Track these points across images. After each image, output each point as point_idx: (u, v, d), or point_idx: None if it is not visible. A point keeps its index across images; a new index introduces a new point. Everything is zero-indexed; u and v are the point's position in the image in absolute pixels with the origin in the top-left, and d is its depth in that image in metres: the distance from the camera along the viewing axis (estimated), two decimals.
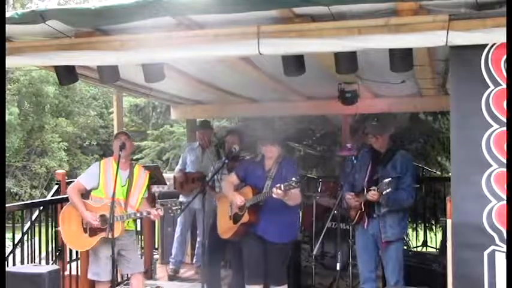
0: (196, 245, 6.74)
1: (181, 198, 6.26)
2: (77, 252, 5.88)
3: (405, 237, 4.75)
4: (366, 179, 4.65)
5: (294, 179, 4.19)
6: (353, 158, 5.44)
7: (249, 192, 4.60)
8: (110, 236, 4.47)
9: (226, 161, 5.45)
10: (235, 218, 4.72)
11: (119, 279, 5.97)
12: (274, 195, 4.27)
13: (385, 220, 4.54)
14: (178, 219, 6.57)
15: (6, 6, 13.52)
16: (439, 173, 9.27)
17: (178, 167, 6.76)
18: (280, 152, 4.67)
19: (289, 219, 4.67)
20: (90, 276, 4.85)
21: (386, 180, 4.25)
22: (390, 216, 4.53)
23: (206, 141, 6.54)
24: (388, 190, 4.23)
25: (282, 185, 4.21)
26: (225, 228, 4.86)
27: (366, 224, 4.65)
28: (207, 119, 7.26)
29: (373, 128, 4.71)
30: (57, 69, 4.14)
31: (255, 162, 4.79)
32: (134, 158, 18.23)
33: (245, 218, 4.60)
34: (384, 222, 4.54)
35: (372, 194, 4.39)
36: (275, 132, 5.09)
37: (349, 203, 4.71)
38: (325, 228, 5.57)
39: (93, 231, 4.67)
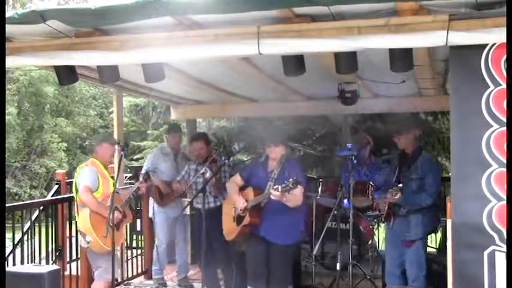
0: (177, 256, 6.40)
1: (157, 208, 6.12)
2: (77, 252, 5.88)
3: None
4: (395, 180, 4.80)
5: (291, 179, 4.18)
6: (353, 158, 5.46)
7: (251, 193, 4.59)
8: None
9: (227, 161, 5.47)
10: (238, 220, 4.71)
11: (119, 279, 5.98)
12: (272, 197, 4.26)
13: (409, 220, 4.71)
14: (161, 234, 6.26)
15: (6, 6, 13.51)
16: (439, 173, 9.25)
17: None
18: (284, 153, 4.64)
19: (292, 220, 4.59)
20: (107, 277, 4.77)
21: (397, 186, 4.51)
22: (414, 215, 4.69)
23: (178, 146, 6.36)
24: (397, 197, 4.48)
25: (280, 186, 4.19)
26: (229, 230, 4.86)
27: (392, 222, 4.84)
28: (208, 118, 7.20)
29: (395, 130, 4.88)
30: (57, 69, 4.14)
31: (259, 163, 4.78)
32: (134, 158, 18.34)
33: (247, 219, 4.58)
34: (408, 222, 4.71)
35: (388, 198, 4.64)
36: (280, 133, 5.10)
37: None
38: (325, 228, 5.59)
39: (117, 224, 4.84)
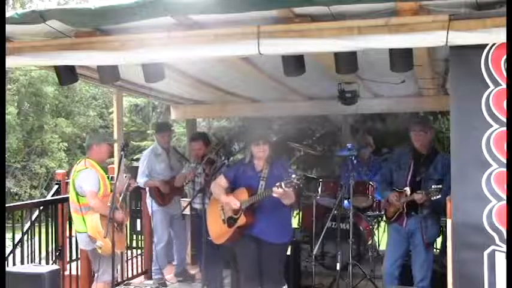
0: (175, 253, 6.46)
1: (155, 207, 6.13)
2: (77, 252, 5.88)
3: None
4: (409, 179, 4.70)
5: (293, 175, 4.16)
6: (353, 158, 5.46)
7: (245, 194, 4.48)
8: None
9: (226, 161, 5.47)
10: (230, 222, 4.61)
11: (119, 279, 5.98)
12: (274, 194, 4.23)
13: (426, 221, 4.63)
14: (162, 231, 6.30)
15: (6, 6, 13.52)
16: None
17: (144, 178, 6.07)
18: (270, 152, 4.57)
19: (285, 219, 4.63)
20: (108, 278, 4.75)
21: (437, 186, 4.35)
22: (431, 217, 4.63)
23: (168, 144, 6.37)
24: (438, 197, 4.32)
25: (283, 183, 4.15)
26: (219, 233, 4.71)
27: (404, 222, 4.73)
28: (208, 118, 7.22)
29: (419, 125, 4.79)
30: (57, 69, 4.14)
31: (245, 164, 4.64)
32: (134, 158, 18.34)
33: (242, 220, 4.48)
34: (425, 223, 4.63)
35: (419, 198, 4.50)
36: (267, 131, 5.07)
37: (392, 202, 4.80)
38: (325, 228, 5.60)
39: (119, 227, 4.85)
